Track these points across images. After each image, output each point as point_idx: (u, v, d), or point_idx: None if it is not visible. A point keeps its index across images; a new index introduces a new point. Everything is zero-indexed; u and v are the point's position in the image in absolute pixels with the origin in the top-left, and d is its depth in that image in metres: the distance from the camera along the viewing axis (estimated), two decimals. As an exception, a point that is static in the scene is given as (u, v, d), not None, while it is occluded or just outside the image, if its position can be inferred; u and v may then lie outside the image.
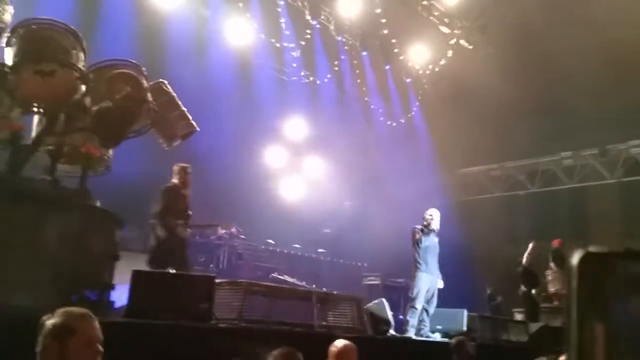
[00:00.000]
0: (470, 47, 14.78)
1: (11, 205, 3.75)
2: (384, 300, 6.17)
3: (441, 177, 15.89)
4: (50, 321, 2.27)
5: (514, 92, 13.55)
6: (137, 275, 4.18)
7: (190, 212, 7.02)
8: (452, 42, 14.78)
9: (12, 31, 3.97)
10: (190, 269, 6.62)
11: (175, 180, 6.80)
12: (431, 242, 7.88)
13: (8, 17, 4.16)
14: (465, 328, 6.48)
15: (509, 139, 14.92)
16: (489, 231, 16.04)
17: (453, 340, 5.51)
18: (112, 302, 4.48)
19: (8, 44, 3.95)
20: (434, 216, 8.03)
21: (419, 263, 7.58)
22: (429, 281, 7.31)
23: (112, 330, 2.60)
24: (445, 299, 8.66)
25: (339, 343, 3.42)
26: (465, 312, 6.59)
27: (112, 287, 4.36)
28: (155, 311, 3.97)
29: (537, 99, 13.21)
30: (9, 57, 3.94)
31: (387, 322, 5.89)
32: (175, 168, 6.86)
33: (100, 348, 2.30)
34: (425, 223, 8.00)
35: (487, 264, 14.34)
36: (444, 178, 16.14)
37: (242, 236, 10.69)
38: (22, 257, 3.69)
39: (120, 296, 4.46)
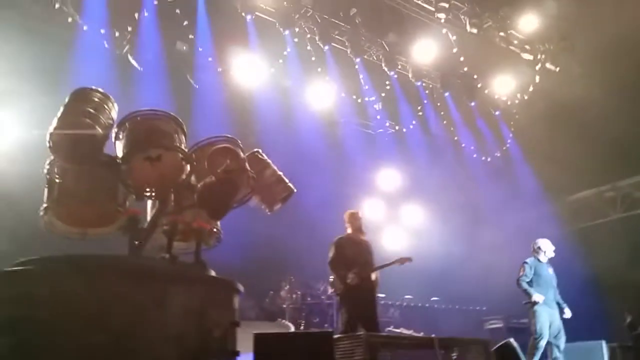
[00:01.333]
0: (557, 69, 14.24)
1: (136, 284, 3.98)
2: (512, 340, 5.79)
3: (550, 206, 15.01)
4: None
5: (611, 108, 12.78)
6: (259, 339, 4.25)
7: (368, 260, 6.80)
8: (538, 67, 14.34)
9: (120, 125, 4.34)
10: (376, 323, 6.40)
11: (348, 230, 6.83)
12: (544, 273, 7.47)
13: (114, 113, 4.59)
14: (607, 362, 5.90)
15: (616, 157, 13.93)
16: (613, 256, 14.77)
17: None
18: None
19: (117, 138, 4.32)
20: (542, 246, 7.68)
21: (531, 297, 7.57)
22: (548, 315, 6.91)
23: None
24: (579, 333, 7.89)
25: None
26: (605, 344, 6.00)
27: (237, 353, 4.46)
28: (280, 372, 4.00)
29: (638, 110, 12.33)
30: (119, 150, 4.29)
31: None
32: (345, 216, 6.88)
33: None
34: (534, 254, 7.71)
35: (617, 290, 13.12)
36: (553, 207, 15.22)
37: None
38: (151, 335, 3.86)
39: (244, 364, 4.56)
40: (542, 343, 6.98)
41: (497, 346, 5.55)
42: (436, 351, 4.77)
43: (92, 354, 3.55)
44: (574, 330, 9.22)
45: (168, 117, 4.47)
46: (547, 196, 14.87)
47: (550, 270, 7.78)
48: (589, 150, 13.34)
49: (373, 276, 6.77)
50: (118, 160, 4.31)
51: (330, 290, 10.70)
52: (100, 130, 4.34)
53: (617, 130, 12.86)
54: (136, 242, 4.46)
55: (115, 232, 4.63)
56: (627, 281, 13.22)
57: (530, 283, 7.94)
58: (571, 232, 15.36)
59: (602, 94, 12.53)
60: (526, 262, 7.94)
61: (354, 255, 6.68)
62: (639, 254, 15.70)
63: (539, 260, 7.80)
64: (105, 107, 4.52)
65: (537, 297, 7.76)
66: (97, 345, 3.61)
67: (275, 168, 5.44)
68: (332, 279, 6.60)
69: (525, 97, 14.83)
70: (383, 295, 11.36)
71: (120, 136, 4.33)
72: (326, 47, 12.36)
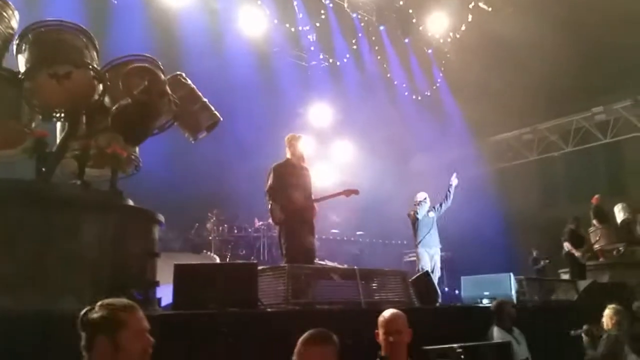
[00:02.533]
0: (490, 9, 14.33)
1: (45, 212, 3.73)
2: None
3: (473, 146, 15.55)
4: (94, 315, 2.22)
5: (538, 53, 13.13)
6: (179, 269, 4.14)
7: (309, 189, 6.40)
8: (471, 6, 14.35)
9: (21, 37, 3.90)
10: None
11: (288, 155, 6.39)
12: (427, 219, 9.09)
13: (15, 23, 4.10)
14: (513, 292, 6.32)
15: (538, 101, 14.50)
16: (528, 196, 15.71)
17: (493, 303, 5.41)
18: (159, 300, 4.46)
19: (18, 51, 3.89)
20: (420, 198, 9.17)
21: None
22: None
23: (160, 323, 2.54)
24: (490, 265, 8.58)
25: (387, 312, 3.35)
26: (512, 276, 6.43)
27: (156, 284, 4.34)
28: (202, 302, 3.93)
29: (564, 56, 12.72)
30: (21, 64, 3.88)
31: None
32: (287, 140, 6.45)
33: (151, 338, 2.25)
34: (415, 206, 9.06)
35: (527, 228, 14.05)
36: (476, 147, 15.78)
37: (279, 226, 10.60)
38: (62, 263, 3.67)
39: (165, 295, 4.45)
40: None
41: (414, 277, 5.78)
42: (357, 282, 4.87)
43: (1, 283, 3.35)
44: (487, 264, 9.81)
45: (77, 30, 4.03)
46: (471, 136, 15.36)
47: (432, 215, 9.25)
48: (515, 93, 13.78)
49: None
50: (21, 76, 3.90)
51: (263, 221, 10.69)
52: (-4, 41, 3.90)
53: (543, 73, 13.30)
54: (43, 167, 4.12)
55: (20, 155, 4.27)
56: (537, 221, 14.14)
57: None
58: (490, 171, 16.10)
59: (533, 36, 12.79)
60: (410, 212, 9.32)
61: (294, 182, 6.16)
62: (550, 195, 16.82)
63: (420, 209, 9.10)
64: (4, 14, 4.02)
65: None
66: (7, 274, 3.40)
67: (200, 94, 5.15)
68: (270, 207, 6.20)
69: (458, 36, 14.92)
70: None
71: (23, 49, 3.89)
72: (260, -30, 11.76)
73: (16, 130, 4.09)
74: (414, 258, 11.94)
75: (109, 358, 2.17)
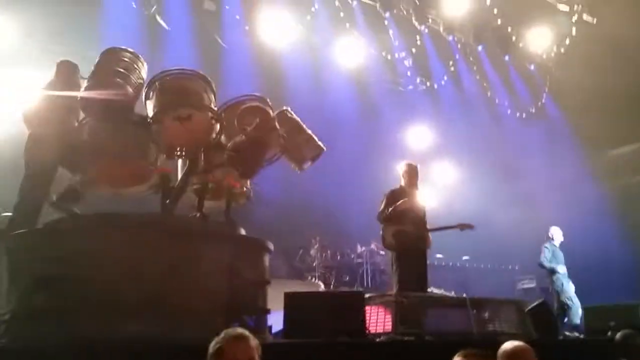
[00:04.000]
0: (594, 21, 13.55)
1: (169, 242, 4.04)
2: (546, 301, 5.69)
3: (587, 162, 14.52)
4: (211, 344, 2.40)
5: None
6: (290, 298, 4.28)
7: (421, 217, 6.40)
8: (574, 19, 13.67)
9: (150, 85, 4.37)
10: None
11: (402, 183, 6.46)
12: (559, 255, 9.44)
13: (144, 73, 4.59)
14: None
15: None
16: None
17: (618, 335, 4.93)
18: (270, 327, 4.63)
19: (147, 97, 4.35)
20: (555, 233, 9.66)
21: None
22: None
23: (272, 351, 2.65)
24: (614, 291, 7.98)
25: (510, 344, 3.11)
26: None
27: (267, 311, 4.52)
28: (311, 330, 4.03)
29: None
30: (149, 109, 4.33)
31: (555, 324, 5.42)
32: (401, 167, 6.51)
33: None
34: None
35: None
36: (591, 163, 14.71)
37: (382, 252, 10.59)
38: (184, 291, 3.93)
39: (275, 321, 4.62)
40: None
41: (531, 306, 5.46)
42: (468, 311, 4.74)
43: (126, 309, 3.67)
44: (609, 288, 9.10)
45: (197, 76, 4.44)
46: (584, 152, 14.41)
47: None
48: (629, 103, 12.82)
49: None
50: (149, 120, 4.33)
51: (365, 247, 10.74)
52: (130, 90, 4.35)
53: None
54: (167, 201, 4.50)
55: (147, 190, 4.70)
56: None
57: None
58: (610, 189, 14.90)
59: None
60: (546, 247, 9.56)
61: (407, 208, 6.15)
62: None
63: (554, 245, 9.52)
64: (135, 66, 4.52)
65: (560, 267, 9.39)
66: (131, 301, 3.72)
67: (305, 127, 5.38)
68: (382, 233, 6.18)
69: (562, 50, 14.24)
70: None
71: (151, 96, 4.34)
72: (354, 2, 12.00)
73: (144, 168, 4.50)
74: (529, 285, 11.36)
75: None
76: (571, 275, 9.47)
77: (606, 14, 13.23)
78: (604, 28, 13.15)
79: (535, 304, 5.63)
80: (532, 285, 11.48)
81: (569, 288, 9.20)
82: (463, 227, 6.46)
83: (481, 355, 2.64)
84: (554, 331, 5.40)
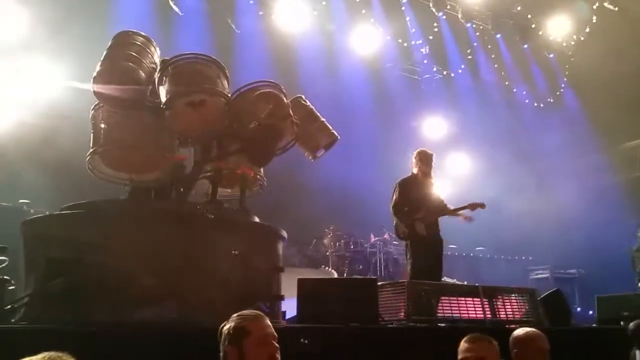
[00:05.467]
0: (616, 9, 13.25)
1: (182, 230, 4.06)
2: (559, 290, 5.66)
3: (604, 153, 14.32)
4: (226, 327, 2.40)
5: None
6: (303, 284, 4.30)
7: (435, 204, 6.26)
8: (595, 6, 13.40)
9: (162, 70, 4.33)
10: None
11: (414, 171, 6.35)
12: None
13: (157, 58, 4.58)
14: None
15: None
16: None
17: (632, 325, 4.86)
18: (284, 312, 4.66)
19: (160, 83, 4.31)
20: None
21: None
22: None
23: (285, 336, 2.67)
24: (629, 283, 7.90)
25: (522, 330, 3.13)
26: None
27: (281, 297, 4.53)
28: (324, 316, 4.05)
29: None
30: (162, 94, 4.28)
31: (568, 312, 5.38)
32: (416, 155, 6.37)
33: (276, 344, 2.35)
34: None
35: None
36: (608, 154, 14.51)
37: (395, 242, 10.57)
38: (198, 277, 3.96)
39: (288, 309, 4.64)
40: None
41: (545, 294, 5.43)
42: (481, 299, 4.72)
43: (140, 295, 3.71)
44: (625, 281, 9.01)
45: (210, 62, 4.41)
46: (601, 142, 14.20)
47: None
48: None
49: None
50: (162, 106, 4.32)
51: (379, 237, 10.72)
52: (143, 75, 4.34)
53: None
54: (181, 188, 4.52)
55: (161, 177, 4.72)
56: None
57: None
58: (622, 181, 14.71)
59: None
60: None
61: (420, 198, 6.07)
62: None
63: None
64: (148, 50, 4.50)
65: None
66: (147, 287, 3.76)
67: (319, 114, 5.36)
68: (395, 222, 6.09)
69: (582, 39, 13.99)
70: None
71: (163, 81, 4.31)
72: (371, -12, 11.93)
73: (158, 155, 4.51)
74: (543, 275, 11.25)
75: None
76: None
77: (628, 2, 12.96)
78: (625, 16, 12.89)
79: (548, 292, 5.60)
80: (546, 275, 11.42)
81: None
82: (474, 206, 6.33)
83: (486, 340, 2.64)
84: (567, 319, 5.36)
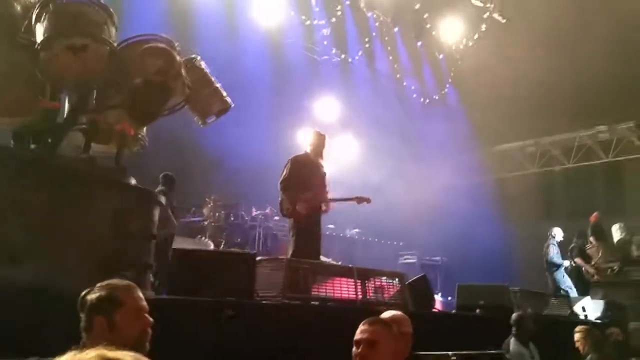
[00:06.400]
0: (504, 21, 14.29)
1: (50, 184, 3.70)
2: (426, 276, 6.03)
3: (478, 154, 15.55)
4: (92, 295, 2.20)
5: (549, 67, 13.11)
6: (178, 254, 4.12)
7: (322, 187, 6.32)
8: (486, 15, 14.32)
9: (42, 6, 3.82)
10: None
11: (307, 149, 6.41)
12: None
13: (36, -8, 4.07)
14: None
15: (544, 114, 14.48)
16: (527, 207, 15.70)
17: (514, 315, 5.39)
18: (153, 283, 4.45)
19: (37, 20, 3.81)
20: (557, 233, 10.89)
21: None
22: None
23: (155, 307, 2.53)
24: (489, 275, 8.66)
25: (388, 313, 3.29)
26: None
27: (151, 267, 4.32)
28: (198, 289, 3.92)
29: (574, 73, 12.72)
30: (39, 33, 3.80)
31: (432, 297, 5.75)
32: (311, 134, 6.46)
33: (150, 318, 2.22)
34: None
35: (526, 239, 14.02)
36: (481, 155, 15.78)
37: (276, 217, 10.61)
38: (65, 238, 3.63)
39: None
40: None
41: (412, 279, 5.76)
42: (355, 280, 4.87)
43: (4, 248, 3.32)
44: (484, 272, 9.84)
45: (98, 5, 3.97)
46: (477, 143, 15.36)
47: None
48: (521, 104, 13.79)
49: (323, 207, 6.24)
50: (37, 46, 3.86)
51: (261, 211, 10.64)
52: (18, 8, 3.85)
53: (548, 91, 13.34)
54: (51, 139, 4.09)
55: (29, 123, 4.23)
56: (535, 232, 14.06)
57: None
58: (491, 180, 16.11)
59: (544, 51, 12.79)
60: (552, 245, 10.69)
61: (309, 177, 6.16)
62: (548, 209, 16.82)
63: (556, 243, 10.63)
64: (26, -17, 3.98)
65: (565, 263, 10.72)
66: (11, 240, 3.37)
67: (214, 79, 5.12)
68: (281, 198, 6.14)
69: (470, 44, 14.91)
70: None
71: (42, 18, 3.84)
72: (278, -40, 11.70)
73: (29, 98, 4.04)
74: (411, 260, 11.95)
75: (107, 338, 2.11)
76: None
77: (517, 15, 14.01)
78: (513, 30, 13.93)
79: (415, 277, 5.95)
80: (414, 260, 12.14)
81: (567, 279, 10.53)
82: (360, 200, 6.60)
83: (383, 323, 2.72)
84: (430, 304, 5.72)
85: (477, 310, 6.15)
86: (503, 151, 17.20)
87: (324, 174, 6.43)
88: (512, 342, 5.17)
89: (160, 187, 8.73)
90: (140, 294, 2.26)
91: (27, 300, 3.02)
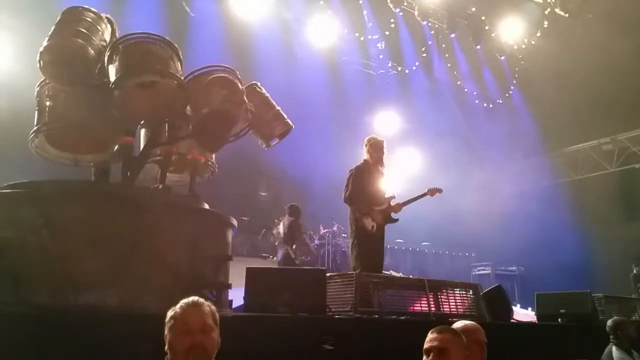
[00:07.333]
0: (567, 15, 13.76)
1: (130, 214, 3.93)
2: (501, 286, 5.85)
3: (548, 156, 14.93)
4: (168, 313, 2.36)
5: (620, 55, 12.46)
6: (252, 273, 4.25)
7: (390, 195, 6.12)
8: (547, 11, 13.86)
9: (113, 48, 4.14)
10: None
11: (365, 157, 6.21)
12: None
13: (107, 35, 4.38)
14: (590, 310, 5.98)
15: (617, 110, 13.72)
16: (607, 209, 14.84)
17: (610, 322, 5.12)
18: (231, 301, 4.60)
19: (110, 62, 4.13)
20: None
21: None
22: None
23: (231, 325, 2.62)
24: (567, 282, 8.25)
25: (460, 323, 3.20)
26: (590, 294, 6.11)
27: (228, 286, 4.47)
28: (271, 305, 4.02)
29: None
30: (112, 74, 4.11)
31: (509, 308, 5.57)
32: (367, 141, 6.19)
33: (200, 335, 2.26)
34: None
35: (608, 243, 13.26)
36: (551, 157, 15.14)
37: (344, 234, 10.65)
38: (144, 264, 3.83)
39: (235, 298, 4.59)
40: None
41: (487, 290, 5.60)
42: (426, 293, 4.81)
43: (86, 280, 3.56)
44: (564, 280, 9.40)
45: (163, 42, 4.25)
46: (546, 145, 14.78)
47: None
48: (592, 102, 13.15)
49: (394, 215, 6.05)
50: (111, 85, 4.15)
51: (328, 229, 10.73)
52: (92, 52, 4.15)
53: (622, 82, 12.62)
54: (128, 172, 4.37)
55: (108, 159, 4.54)
56: (619, 235, 13.28)
57: None
58: (567, 183, 15.38)
59: (613, 44, 12.19)
60: None
61: (373, 189, 5.98)
62: (631, 208, 15.83)
63: None
64: (98, 28, 4.30)
65: None
66: (92, 272, 3.60)
67: (274, 103, 5.29)
68: (350, 211, 5.96)
69: (533, 43, 14.45)
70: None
71: (113, 59, 4.14)
72: (329, -21, 11.92)
73: (105, 136, 4.34)
74: (485, 271, 11.62)
75: (169, 355, 2.27)
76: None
77: (579, 8, 13.47)
78: (576, 24, 13.40)
79: (490, 288, 5.77)
80: (488, 271, 11.81)
81: None
82: (433, 192, 6.41)
83: (452, 331, 2.69)
84: (508, 315, 5.54)
85: (559, 320, 5.88)
86: (576, 151, 16.43)
87: (384, 181, 6.29)
88: (614, 350, 4.86)
89: (289, 218, 9.01)
90: (197, 311, 2.32)
91: (110, 321, 3.20)
